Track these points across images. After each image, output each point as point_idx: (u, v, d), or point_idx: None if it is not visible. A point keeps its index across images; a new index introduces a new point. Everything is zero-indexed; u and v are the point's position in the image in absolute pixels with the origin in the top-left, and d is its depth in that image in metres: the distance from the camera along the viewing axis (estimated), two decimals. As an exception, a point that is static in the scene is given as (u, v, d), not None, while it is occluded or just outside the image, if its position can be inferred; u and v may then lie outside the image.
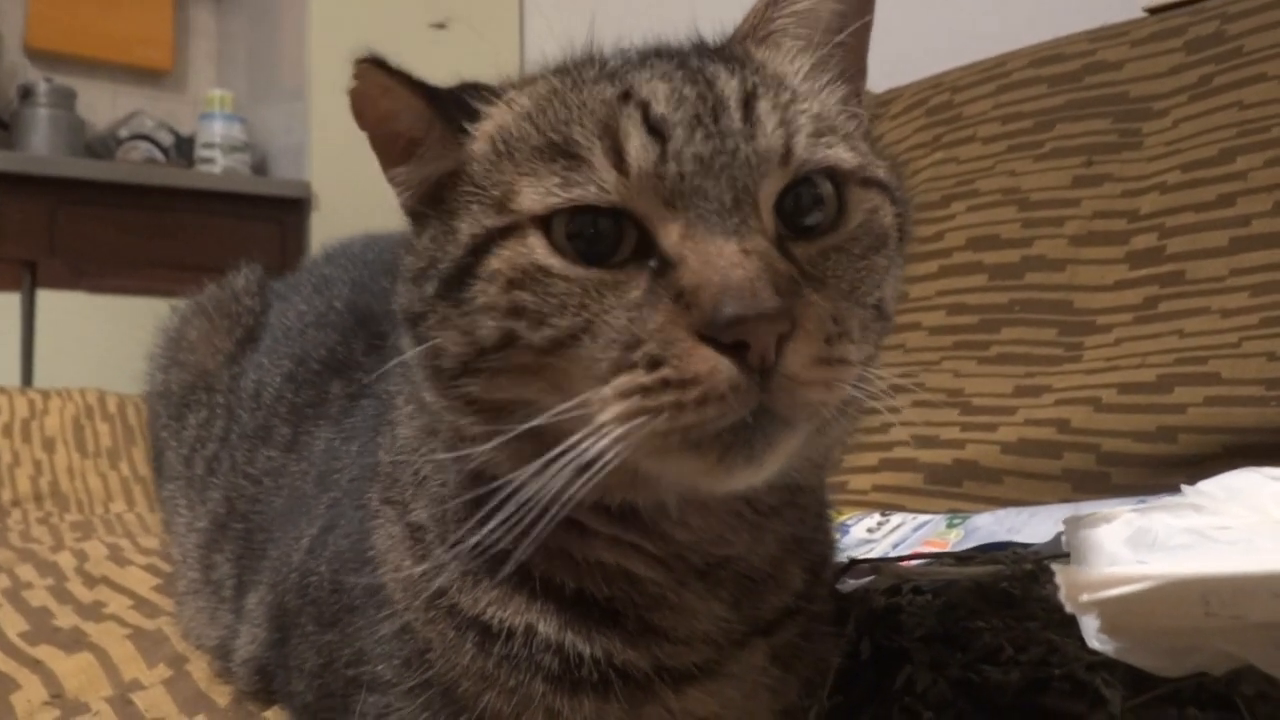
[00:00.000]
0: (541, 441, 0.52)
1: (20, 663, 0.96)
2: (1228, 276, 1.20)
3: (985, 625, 0.66)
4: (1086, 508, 0.79)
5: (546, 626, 0.60)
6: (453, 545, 0.62)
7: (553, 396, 0.53)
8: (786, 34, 0.62)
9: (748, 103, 0.55)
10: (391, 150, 0.60)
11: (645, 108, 0.53)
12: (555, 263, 0.52)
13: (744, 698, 0.64)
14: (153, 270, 2.87)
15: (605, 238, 0.53)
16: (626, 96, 0.54)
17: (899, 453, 1.34)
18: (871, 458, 1.36)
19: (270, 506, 0.89)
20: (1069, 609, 0.45)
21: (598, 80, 0.57)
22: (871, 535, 1.14)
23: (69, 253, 2.93)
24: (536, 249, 0.53)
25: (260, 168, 3.43)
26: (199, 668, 0.92)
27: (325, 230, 2.89)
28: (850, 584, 0.79)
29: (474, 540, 0.57)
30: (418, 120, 0.59)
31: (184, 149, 3.44)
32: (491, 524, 0.53)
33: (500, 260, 0.53)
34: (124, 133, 3.36)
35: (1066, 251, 1.38)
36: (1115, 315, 1.29)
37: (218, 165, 3.30)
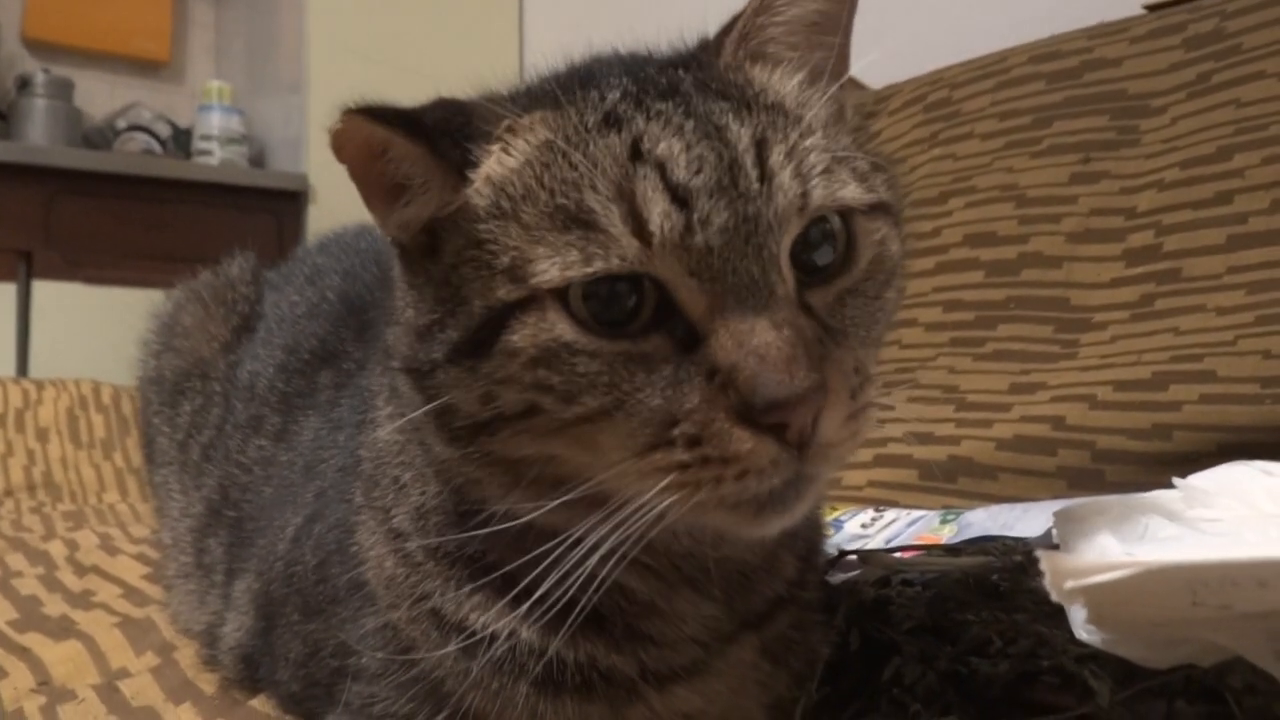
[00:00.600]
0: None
1: (8, 650, 0.96)
2: (1224, 274, 1.19)
3: (974, 617, 0.66)
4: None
5: (530, 632, 0.60)
6: (434, 551, 0.62)
7: (577, 452, 0.52)
8: (778, 43, 0.60)
9: (760, 152, 0.53)
10: (376, 188, 0.57)
11: (662, 169, 0.51)
12: (580, 338, 0.51)
13: (731, 693, 0.63)
14: (149, 262, 2.85)
15: (623, 299, 0.51)
16: (638, 153, 0.52)
17: (894, 449, 1.34)
18: (866, 454, 1.36)
19: (260, 495, 0.89)
20: (1054, 596, 0.45)
21: (602, 129, 0.53)
22: (865, 531, 1.13)
23: (65, 243, 2.92)
24: (558, 325, 0.51)
25: (258, 160, 3.41)
26: (186, 656, 0.92)
27: (322, 223, 2.87)
28: (839, 576, 0.78)
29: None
30: (408, 163, 0.55)
31: (181, 141, 3.43)
32: (546, 584, 0.53)
33: (521, 337, 0.52)
34: (121, 124, 3.35)
35: (1063, 248, 1.37)
36: (1111, 312, 1.28)
37: (215, 157, 3.28)
